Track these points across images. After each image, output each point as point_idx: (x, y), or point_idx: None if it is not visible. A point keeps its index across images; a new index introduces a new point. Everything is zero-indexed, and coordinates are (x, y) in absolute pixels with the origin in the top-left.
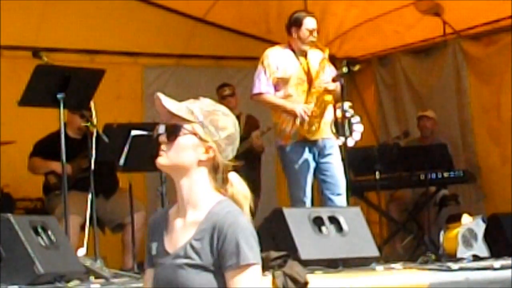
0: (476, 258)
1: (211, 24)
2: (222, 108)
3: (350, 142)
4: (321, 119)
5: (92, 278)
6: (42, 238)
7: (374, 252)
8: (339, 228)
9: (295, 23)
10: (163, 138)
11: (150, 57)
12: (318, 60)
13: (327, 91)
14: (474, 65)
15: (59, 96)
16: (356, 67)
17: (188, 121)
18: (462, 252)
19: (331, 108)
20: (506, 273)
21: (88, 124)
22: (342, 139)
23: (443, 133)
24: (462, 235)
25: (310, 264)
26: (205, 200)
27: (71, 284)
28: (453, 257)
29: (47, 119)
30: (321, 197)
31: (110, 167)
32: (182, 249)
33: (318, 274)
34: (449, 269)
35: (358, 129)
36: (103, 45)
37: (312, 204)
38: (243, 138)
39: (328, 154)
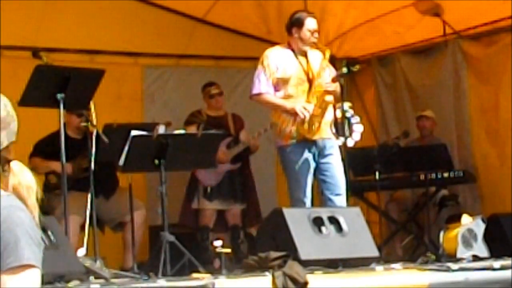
0: (476, 258)
1: (211, 24)
2: None
3: (350, 142)
4: (321, 119)
5: (92, 278)
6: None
7: (374, 252)
8: (339, 229)
9: (296, 23)
10: None
11: (150, 57)
12: (318, 60)
13: (327, 91)
14: (474, 66)
15: (59, 96)
16: (356, 67)
17: None
18: (462, 252)
19: (331, 108)
20: (506, 273)
21: (87, 124)
22: (342, 139)
23: (442, 133)
24: (462, 235)
25: (310, 264)
26: None
27: (71, 284)
28: (453, 257)
29: (47, 119)
30: (321, 197)
31: (110, 167)
32: None
33: (318, 274)
34: (449, 269)
35: (358, 129)
36: (103, 45)
37: (312, 204)
38: (235, 139)
39: (328, 155)
